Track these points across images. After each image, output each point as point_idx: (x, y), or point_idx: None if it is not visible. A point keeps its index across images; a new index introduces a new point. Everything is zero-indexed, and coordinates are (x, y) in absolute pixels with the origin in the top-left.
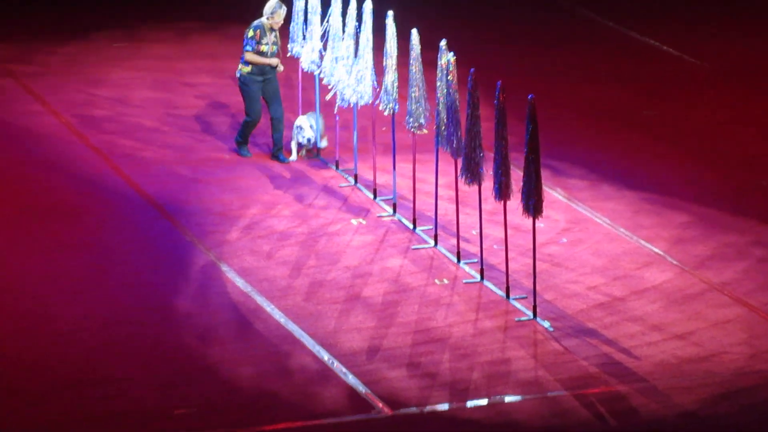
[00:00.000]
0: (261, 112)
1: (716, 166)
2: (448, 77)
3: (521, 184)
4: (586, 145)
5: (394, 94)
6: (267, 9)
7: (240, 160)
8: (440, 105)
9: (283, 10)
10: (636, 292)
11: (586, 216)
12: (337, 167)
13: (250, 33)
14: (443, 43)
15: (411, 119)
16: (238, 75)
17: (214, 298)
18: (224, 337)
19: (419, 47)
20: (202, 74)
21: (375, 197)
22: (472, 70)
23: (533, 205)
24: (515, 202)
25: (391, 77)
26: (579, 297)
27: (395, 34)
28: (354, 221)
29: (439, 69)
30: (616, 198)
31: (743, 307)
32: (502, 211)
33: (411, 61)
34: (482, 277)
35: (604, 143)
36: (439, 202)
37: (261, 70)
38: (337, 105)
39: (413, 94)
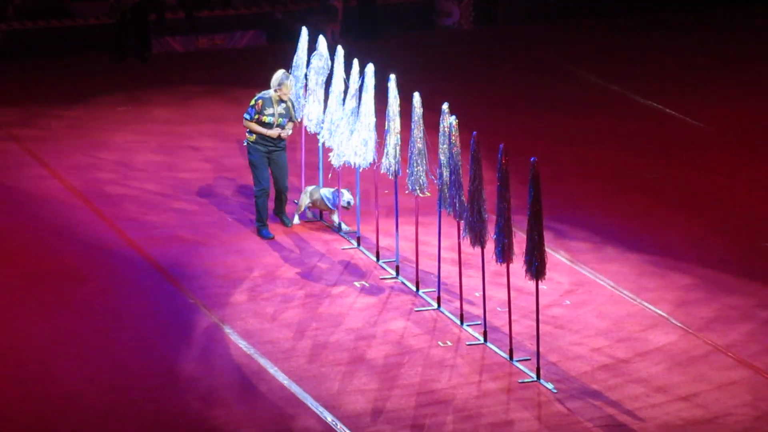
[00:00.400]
0: (269, 181)
1: (720, 228)
2: (451, 140)
3: (524, 246)
4: (589, 208)
5: (397, 156)
6: (274, 81)
7: (243, 223)
8: (443, 167)
9: (291, 81)
10: (640, 353)
11: (589, 278)
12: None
13: (252, 102)
14: (445, 106)
15: (412, 182)
16: (245, 143)
17: (218, 360)
18: (228, 400)
19: (421, 110)
20: (206, 138)
21: (378, 260)
22: (475, 133)
23: (536, 267)
24: (518, 265)
25: (393, 140)
26: (583, 359)
27: (397, 96)
28: (357, 283)
29: (441, 131)
30: (619, 260)
31: (748, 369)
32: (505, 274)
33: (413, 124)
34: (485, 339)
35: (607, 206)
36: (441, 264)
37: (265, 139)
38: (336, 166)
39: (415, 158)
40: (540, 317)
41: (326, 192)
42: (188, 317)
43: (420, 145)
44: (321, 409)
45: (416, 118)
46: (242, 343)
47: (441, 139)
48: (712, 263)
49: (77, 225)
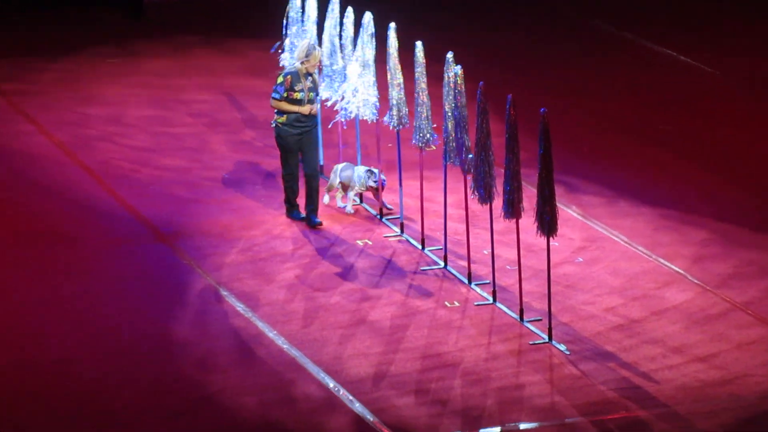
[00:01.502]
0: (298, 164)
1: (737, 180)
2: (456, 90)
3: (534, 201)
4: (601, 161)
5: (401, 109)
6: (300, 52)
7: (239, 180)
8: (447, 119)
9: (319, 51)
10: (655, 312)
11: (602, 234)
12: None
13: (280, 79)
14: (450, 55)
15: (418, 135)
16: (273, 125)
17: (214, 324)
18: (225, 365)
19: (424, 60)
20: (200, 91)
21: (381, 216)
22: (482, 83)
23: (547, 223)
24: (528, 221)
25: (396, 92)
26: (596, 319)
27: (397, 46)
28: (359, 242)
29: (445, 82)
30: (633, 215)
31: (767, 327)
32: (515, 231)
33: (416, 75)
34: (494, 299)
35: (620, 159)
36: (448, 221)
37: (297, 119)
38: (338, 119)
39: (419, 109)
40: (551, 275)
41: (361, 171)
42: (183, 279)
43: (424, 97)
44: (322, 374)
45: (419, 68)
46: (239, 306)
47: (446, 90)
48: (729, 217)
49: (66, 183)
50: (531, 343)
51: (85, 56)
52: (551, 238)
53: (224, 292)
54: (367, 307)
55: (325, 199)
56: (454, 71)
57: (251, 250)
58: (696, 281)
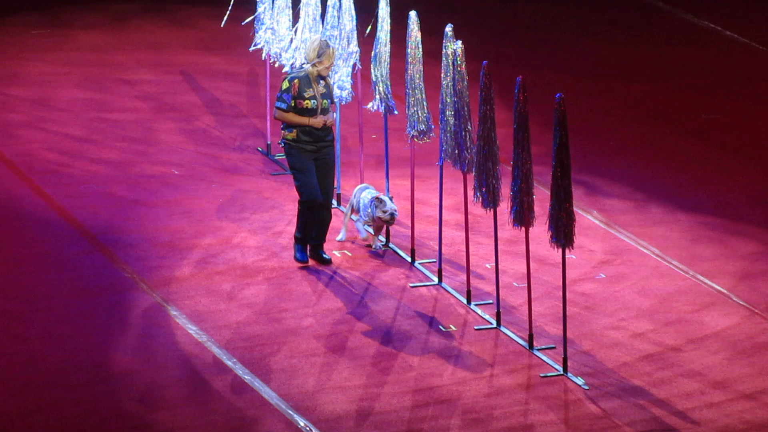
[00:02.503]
0: (318, 188)
1: None
2: (456, 71)
3: (547, 206)
4: (629, 157)
5: (388, 91)
6: (311, 52)
7: (193, 177)
8: (446, 106)
9: (333, 50)
10: (693, 340)
11: (629, 245)
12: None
13: (285, 84)
14: (449, 28)
15: (410, 125)
16: (281, 143)
17: (161, 350)
18: (174, 400)
19: (419, 34)
20: (144, 69)
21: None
22: (485, 62)
23: (563, 232)
24: (540, 229)
25: (383, 70)
26: (621, 347)
27: (388, 16)
28: (337, 252)
29: (444, 61)
30: (667, 222)
31: None
32: (524, 241)
33: (408, 51)
34: (499, 323)
35: (652, 154)
36: (444, 228)
37: (310, 134)
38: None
39: (412, 93)
40: (567, 295)
41: (366, 198)
42: (124, 296)
43: (418, 79)
44: (291, 411)
45: (413, 44)
46: (192, 329)
47: (443, 70)
48: None
49: None
50: (542, 375)
51: (5, 27)
52: (567, 250)
53: (173, 312)
54: (346, 331)
55: (342, 235)
56: (453, 48)
57: (206, 262)
58: (742, 303)
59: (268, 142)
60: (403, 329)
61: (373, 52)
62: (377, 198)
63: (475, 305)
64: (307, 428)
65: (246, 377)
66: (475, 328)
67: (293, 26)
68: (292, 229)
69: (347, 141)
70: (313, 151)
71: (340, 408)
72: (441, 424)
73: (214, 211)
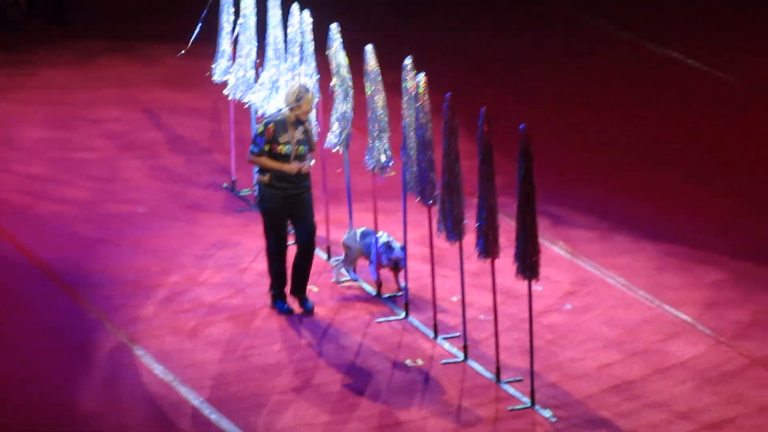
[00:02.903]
0: (286, 237)
1: (759, 209)
2: (418, 104)
3: (513, 237)
4: (594, 187)
5: (348, 125)
6: (290, 96)
7: (158, 215)
8: (408, 139)
9: (312, 95)
10: (659, 370)
11: (595, 276)
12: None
13: (260, 128)
14: (408, 61)
15: (371, 158)
16: (254, 187)
17: (127, 390)
18: None
19: (377, 67)
20: (109, 107)
21: (329, 257)
22: (449, 94)
23: (528, 264)
24: (506, 261)
25: (342, 105)
26: (588, 378)
27: (343, 50)
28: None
29: (404, 94)
30: (632, 252)
31: None
32: (490, 273)
33: (367, 85)
34: (466, 356)
35: (616, 184)
36: (409, 261)
37: (283, 179)
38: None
39: (373, 127)
40: (534, 327)
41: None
42: (89, 336)
43: (380, 112)
44: None
45: (372, 76)
46: (158, 368)
47: (404, 103)
48: (748, 253)
49: None
50: (510, 408)
51: None
52: (534, 282)
53: (139, 352)
54: (312, 368)
55: (339, 276)
56: (415, 81)
57: (171, 300)
58: (708, 332)
59: (233, 179)
60: (369, 364)
61: (331, 87)
62: (386, 242)
63: (442, 339)
64: None
65: (212, 416)
66: (442, 362)
67: (256, 61)
68: (258, 265)
69: (312, 176)
70: (285, 197)
71: None
72: None
73: (179, 248)
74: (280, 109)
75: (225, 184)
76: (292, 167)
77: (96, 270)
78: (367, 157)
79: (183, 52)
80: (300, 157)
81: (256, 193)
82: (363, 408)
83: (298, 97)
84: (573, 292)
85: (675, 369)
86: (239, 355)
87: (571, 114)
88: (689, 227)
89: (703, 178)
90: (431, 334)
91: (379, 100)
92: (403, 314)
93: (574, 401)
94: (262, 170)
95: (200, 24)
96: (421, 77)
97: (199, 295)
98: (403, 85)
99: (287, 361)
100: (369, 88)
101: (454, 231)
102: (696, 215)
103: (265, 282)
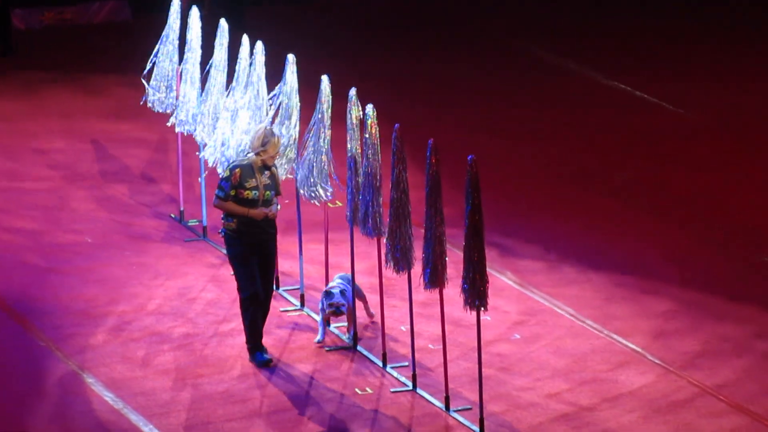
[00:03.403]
0: (258, 280)
1: (708, 239)
2: (366, 135)
3: (461, 268)
4: (542, 217)
5: (292, 153)
6: (255, 141)
7: (106, 244)
8: (352, 171)
9: (278, 139)
10: (608, 399)
11: (543, 306)
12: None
13: (226, 173)
14: (353, 92)
15: (308, 188)
16: (221, 233)
17: (77, 418)
18: None
19: (330, 98)
20: (55, 137)
21: (277, 287)
22: (397, 125)
23: (477, 293)
24: (454, 291)
25: (291, 135)
26: (536, 407)
27: (296, 82)
28: None
29: (349, 125)
30: (580, 282)
31: (744, 416)
32: (438, 303)
33: (316, 114)
34: (415, 385)
35: (565, 214)
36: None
37: (251, 224)
38: (208, 170)
39: (310, 157)
40: (483, 356)
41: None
42: (38, 364)
43: (322, 143)
44: None
45: (324, 107)
46: (108, 396)
47: (350, 134)
48: (697, 283)
49: None
50: None
51: None
52: (482, 312)
53: (89, 380)
54: (262, 396)
55: (321, 335)
56: (361, 113)
57: (121, 329)
58: (657, 361)
59: (181, 209)
60: (319, 393)
61: (281, 117)
62: (325, 291)
63: (391, 368)
64: None
65: None
66: (392, 390)
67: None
68: (207, 294)
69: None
70: (254, 243)
71: None
72: None
73: (128, 278)
74: (246, 154)
75: (173, 215)
76: (258, 212)
77: (45, 299)
78: (303, 187)
79: (145, 71)
80: (267, 202)
81: (224, 238)
82: None
83: (264, 142)
84: (521, 321)
85: (624, 398)
86: (189, 383)
87: (520, 145)
88: (638, 257)
89: (651, 209)
90: (380, 363)
91: (323, 132)
92: (352, 344)
93: (522, 430)
94: (229, 216)
95: (155, 56)
96: (371, 108)
97: (148, 324)
98: (348, 116)
99: (237, 390)
100: (318, 119)
101: (402, 262)
102: (644, 245)
103: (214, 311)
